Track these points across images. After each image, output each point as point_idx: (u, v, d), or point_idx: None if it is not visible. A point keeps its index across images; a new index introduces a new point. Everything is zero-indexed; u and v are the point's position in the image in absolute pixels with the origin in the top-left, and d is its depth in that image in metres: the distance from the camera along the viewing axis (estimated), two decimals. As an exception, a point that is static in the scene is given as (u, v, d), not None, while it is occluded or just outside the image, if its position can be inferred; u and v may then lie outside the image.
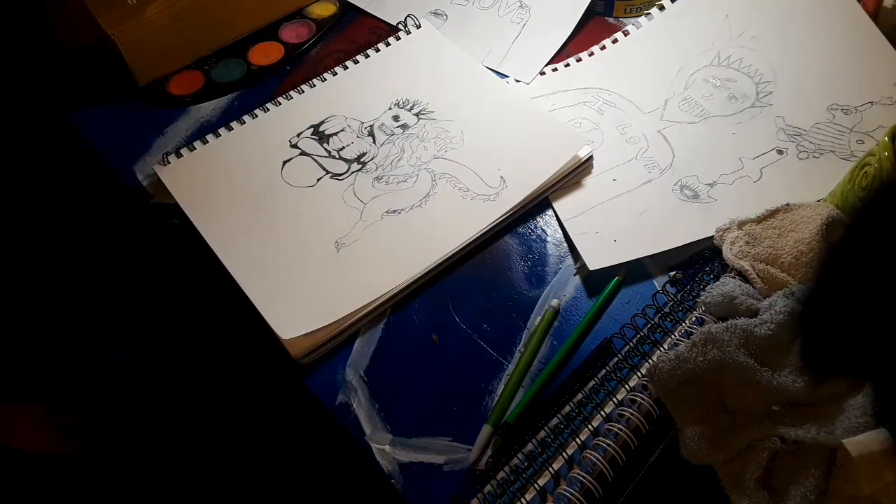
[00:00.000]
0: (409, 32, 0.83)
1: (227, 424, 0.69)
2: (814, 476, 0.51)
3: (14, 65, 0.81)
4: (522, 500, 0.52)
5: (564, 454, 0.55)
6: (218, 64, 0.84)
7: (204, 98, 0.81)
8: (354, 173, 0.72)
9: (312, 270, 0.65)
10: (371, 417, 0.58)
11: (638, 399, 0.56)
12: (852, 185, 0.61)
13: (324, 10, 0.89)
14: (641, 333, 0.60)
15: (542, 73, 0.80)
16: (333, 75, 0.80)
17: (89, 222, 0.76)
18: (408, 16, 0.83)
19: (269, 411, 0.61)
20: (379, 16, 0.87)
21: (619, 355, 0.60)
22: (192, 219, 0.68)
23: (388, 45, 0.82)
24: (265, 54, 0.85)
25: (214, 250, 0.66)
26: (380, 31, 0.86)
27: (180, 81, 0.82)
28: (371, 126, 0.76)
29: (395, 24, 0.85)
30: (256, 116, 0.77)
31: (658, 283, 0.64)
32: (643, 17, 0.82)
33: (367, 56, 0.81)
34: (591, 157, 0.71)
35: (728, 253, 0.62)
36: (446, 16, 0.86)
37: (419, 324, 0.63)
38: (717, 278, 0.62)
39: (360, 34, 0.86)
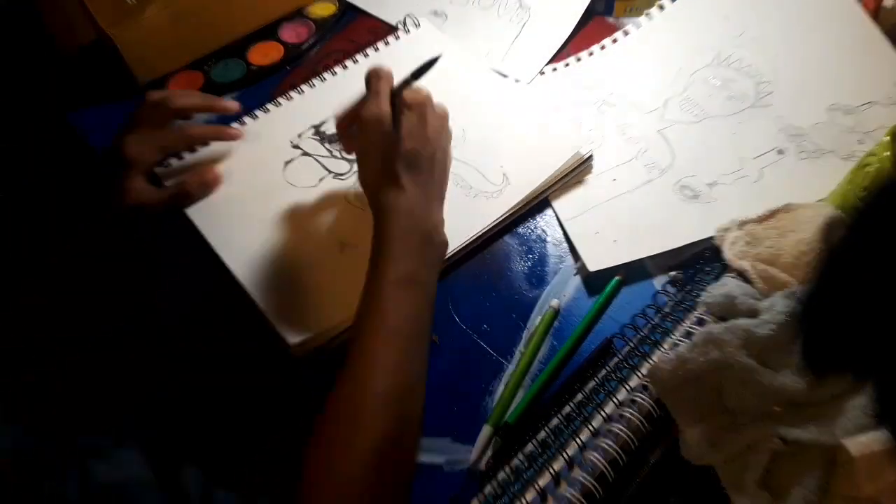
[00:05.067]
0: (408, 31, 0.83)
1: (226, 426, 0.69)
2: (814, 476, 0.51)
3: (13, 65, 0.81)
4: (523, 500, 0.52)
5: (565, 455, 0.55)
6: (217, 64, 0.84)
7: (203, 98, 0.81)
8: (357, 173, 0.72)
9: (317, 271, 0.65)
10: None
11: (638, 399, 0.56)
12: (853, 185, 0.61)
13: (323, 9, 0.89)
14: (642, 334, 0.60)
15: (542, 73, 0.80)
16: (333, 75, 0.80)
17: (89, 222, 0.75)
18: (406, 15, 0.83)
19: (269, 412, 0.61)
20: (379, 16, 0.87)
21: (619, 355, 0.60)
22: (194, 221, 0.68)
23: (387, 44, 0.82)
24: (265, 54, 0.85)
25: (218, 253, 0.66)
26: (379, 31, 0.85)
27: (180, 81, 0.82)
28: None
29: (394, 24, 0.85)
30: (257, 117, 0.77)
31: (658, 283, 0.64)
32: (643, 16, 0.82)
33: (366, 56, 0.81)
34: (591, 157, 0.71)
35: (728, 253, 0.62)
36: (446, 15, 0.86)
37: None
38: (717, 278, 0.62)
39: (359, 34, 0.86)
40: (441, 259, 0.59)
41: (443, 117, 0.62)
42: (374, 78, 0.61)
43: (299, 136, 0.75)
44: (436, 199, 0.60)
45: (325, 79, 0.79)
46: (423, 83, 0.78)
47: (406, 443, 0.50)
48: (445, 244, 0.59)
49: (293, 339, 0.60)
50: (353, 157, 0.73)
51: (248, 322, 0.63)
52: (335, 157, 0.73)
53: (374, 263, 0.56)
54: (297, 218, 0.68)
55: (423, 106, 0.60)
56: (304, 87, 0.79)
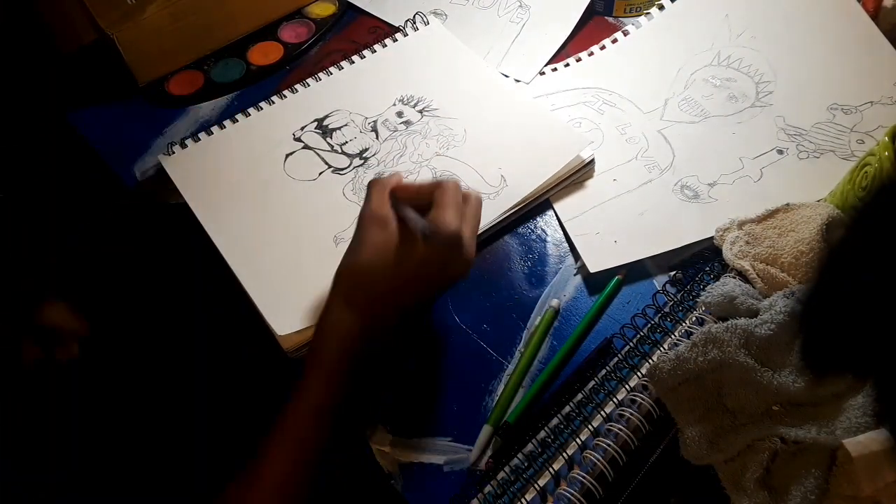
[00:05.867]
0: (416, 29, 0.83)
1: (227, 426, 0.69)
2: (814, 476, 0.51)
3: (13, 65, 0.81)
4: (523, 500, 0.52)
5: (565, 454, 0.55)
6: (217, 64, 0.84)
7: (203, 98, 0.81)
8: (356, 168, 0.72)
9: (310, 265, 0.65)
10: (371, 418, 0.58)
11: (638, 399, 0.56)
12: (852, 185, 0.61)
13: (323, 9, 0.89)
14: (641, 333, 0.60)
15: (542, 73, 0.80)
16: (340, 70, 0.80)
17: (89, 222, 0.76)
18: (417, 13, 0.83)
19: (269, 413, 0.61)
20: (378, 15, 0.87)
21: (619, 355, 0.60)
22: (193, 209, 0.69)
23: (395, 41, 0.82)
24: (264, 54, 0.85)
25: (215, 242, 0.66)
26: (379, 31, 0.86)
27: (180, 81, 0.82)
28: (375, 121, 0.76)
29: (394, 23, 0.85)
30: (262, 109, 0.77)
31: (658, 282, 0.64)
32: (643, 16, 0.82)
33: (374, 52, 0.81)
34: (592, 161, 0.71)
35: (728, 253, 0.62)
36: (446, 15, 0.86)
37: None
38: (717, 278, 0.62)
39: (359, 34, 0.86)
40: (380, 380, 0.55)
41: (462, 266, 0.54)
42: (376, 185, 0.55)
43: (302, 129, 0.75)
44: (394, 329, 0.54)
45: (331, 73, 0.80)
46: (426, 82, 0.78)
47: None
48: (387, 365, 0.55)
49: (282, 330, 0.60)
50: (353, 152, 0.73)
51: (248, 324, 0.64)
52: (336, 151, 0.73)
53: (305, 380, 0.52)
54: (295, 211, 0.69)
55: (453, 237, 0.53)
56: (310, 80, 0.79)
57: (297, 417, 0.52)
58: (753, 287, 0.60)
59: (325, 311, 0.54)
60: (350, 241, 0.56)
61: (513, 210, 0.68)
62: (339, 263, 0.56)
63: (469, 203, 0.56)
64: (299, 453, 0.51)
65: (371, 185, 0.56)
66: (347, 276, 0.54)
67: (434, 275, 0.54)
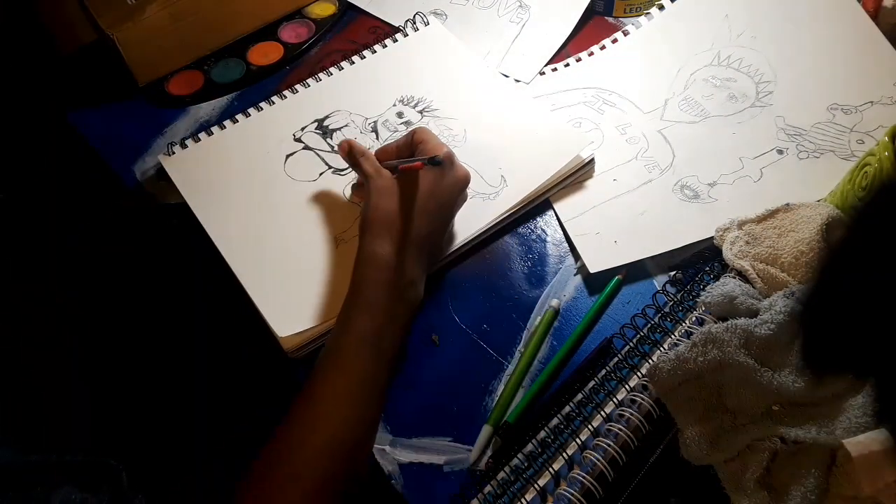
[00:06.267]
0: (416, 29, 0.83)
1: (227, 426, 0.69)
2: (814, 476, 0.51)
3: (13, 65, 0.81)
4: (523, 500, 0.52)
5: (565, 454, 0.55)
6: (217, 64, 0.84)
7: (203, 98, 0.81)
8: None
9: (312, 265, 0.65)
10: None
11: (638, 399, 0.56)
12: (852, 185, 0.61)
13: (323, 9, 0.89)
14: (641, 333, 0.60)
15: (542, 73, 0.80)
16: (340, 70, 0.80)
17: (89, 222, 0.76)
18: (416, 13, 0.83)
19: (270, 413, 0.61)
20: (378, 15, 0.87)
21: (619, 355, 0.60)
22: (193, 209, 0.69)
23: (395, 41, 0.82)
24: (264, 54, 0.85)
25: (215, 242, 0.66)
26: (379, 31, 0.86)
27: (180, 81, 0.82)
28: (375, 122, 0.76)
29: (394, 23, 0.85)
30: (262, 109, 0.77)
31: (658, 282, 0.64)
32: (643, 16, 0.82)
33: (374, 52, 0.81)
34: (592, 160, 0.71)
35: (728, 253, 0.62)
36: (446, 15, 0.86)
37: (419, 324, 0.63)
38: (717, 278, 0.62)
39: (359, 34, 0.86)
40: (412, 315, 0.59)
41: (458, 181, 0.62)
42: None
43: (302, 129, 0.75)
44: (418, 256, 0.59)
45: (331, 73, 0.80)
46: (426, 82, 0.78)
47: (346, 498, 0.51)
48: (418, 300, 0.60)
49: (283, 332, 0.60)
50: None
51: (248, 324, 0.64)
52: (336, 152, 0.73)
53: (346, 314, 0.57)
54: (296, 212, 0.69)
55: (439, 169, 0.61)
56: (310, 80, 0.79)
57: (344, 348, 0.55)
58: (753, 287, 0.60)
59: (359, 254, 0.59)
60: (349, 242, 0.62)
61: (513, 210, 0.68)
62: (334, 261, 0.62)
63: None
64: (351, 383, 0.54)
65: (356, 157, 0.64)
66: (370, 222, 0.59)
67: (438, 194, 0.61)
